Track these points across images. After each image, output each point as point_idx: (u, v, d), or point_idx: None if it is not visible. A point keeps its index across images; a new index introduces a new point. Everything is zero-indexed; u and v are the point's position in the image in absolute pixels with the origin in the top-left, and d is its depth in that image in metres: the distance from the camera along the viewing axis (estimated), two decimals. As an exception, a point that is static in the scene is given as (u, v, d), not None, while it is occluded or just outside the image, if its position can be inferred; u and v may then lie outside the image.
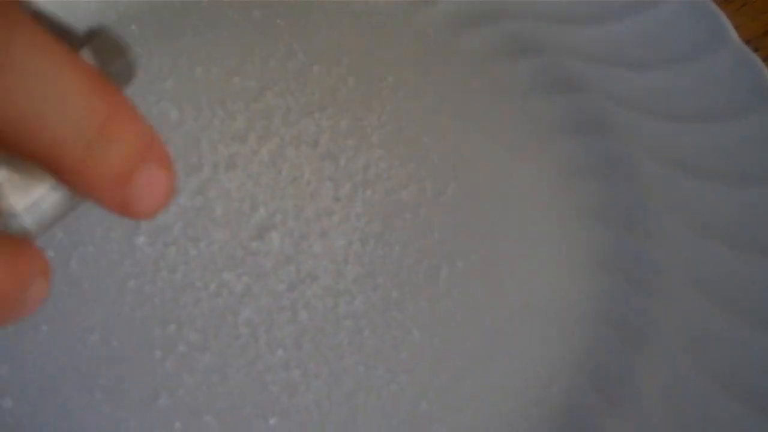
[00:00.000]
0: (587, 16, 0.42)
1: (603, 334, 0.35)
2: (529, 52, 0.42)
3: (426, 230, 0.37)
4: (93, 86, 0.18)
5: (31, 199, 0.19)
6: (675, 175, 0.38)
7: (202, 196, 0.37)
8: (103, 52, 0.19)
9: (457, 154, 0.39)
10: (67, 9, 0.40)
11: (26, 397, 0.32)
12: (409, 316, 0.35)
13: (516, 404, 0.34)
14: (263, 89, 0.40)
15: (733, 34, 0.40)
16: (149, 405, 0.32)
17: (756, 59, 0.39)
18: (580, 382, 0.34)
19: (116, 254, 0.35)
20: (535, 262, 0.37)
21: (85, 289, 0.34)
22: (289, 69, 0.41)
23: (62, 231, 0.35)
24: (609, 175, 0.39)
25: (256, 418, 0.32)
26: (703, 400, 0.33)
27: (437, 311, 0.35)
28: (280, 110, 0.40)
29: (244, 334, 0.34)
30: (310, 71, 0.41)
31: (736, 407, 0.32)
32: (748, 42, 0.40)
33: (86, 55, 0.19)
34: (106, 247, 0.35)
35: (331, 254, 0.36)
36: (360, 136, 0.39)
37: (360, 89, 0.41)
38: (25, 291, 0.19)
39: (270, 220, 0.36)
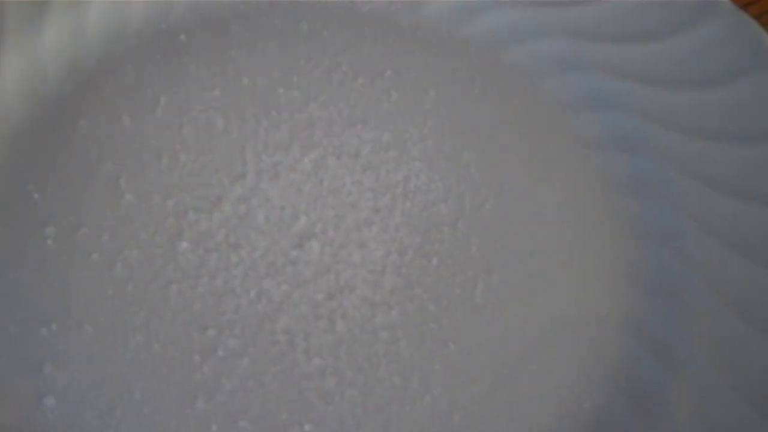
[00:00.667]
0: (630, 35, 0.42)
1: (635, 351, 0.35)
2: (573, 68, 0.43)
3: (463, 243, 0.37)
4: None
5: None
6: (711, 194, 0.38)
7: (244, 204, 0.37)
8: None
9: (496, 169, 0.40)
10: (117, 19, 0.41)
11: (68, 397, 0.33)
12: (445, 329, 0.35)
13: (548, 419, 0.34)
14: (307, 100, 0.41)
15: (775, 55, 0.40)
16: (187, 408, 0.33)
17: (800, 82, 0.39)
18: (612, 398, 0.34)
19: (159, 259, 0.36)
20: (570, 278, 0.37)
21: (128, 292, 0.35)
22: (333, 81, 0.42)
23: (108, 234, 0.36)
24: (645, 192, 0.39)
25: (291, 424, 0.33)
26: (735, 419, 0.32)
27: (473, 324, 0.36)
28: (323, 121, 0.40)
29: (282, 342, 0.34)
30: (354, 83, 0.42)
31: (766, 423, 0.32)
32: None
33: None
34: (149, 252, 0.36)
35: (370, 265, 0.36)
36: (401, 148, 0.40)
37: (402, 103, 0.41)
38: None
39: (310, 229, 0.37)
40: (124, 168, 0.38)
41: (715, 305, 0.35)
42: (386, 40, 0.43)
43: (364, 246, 0.37)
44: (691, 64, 0.41)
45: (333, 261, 0.36)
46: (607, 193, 0.39)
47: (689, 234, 0.38)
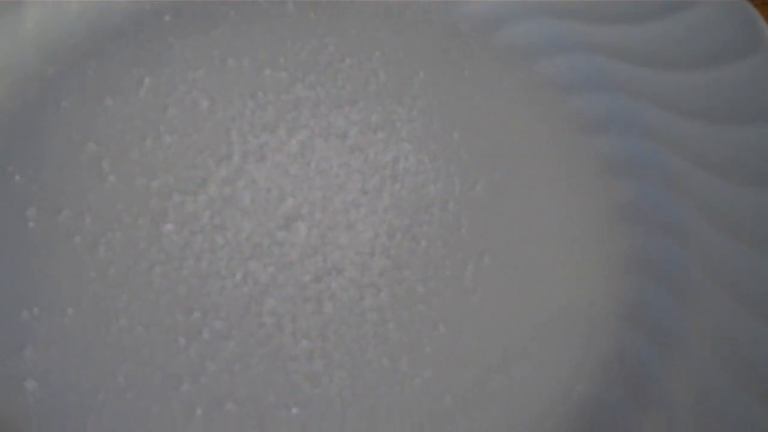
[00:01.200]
0: (624, 15, 0.42)
1: (630, 335, 0.35)
2: (565, 49, 0.42)
3: (453, 225, 0.37)
4: None
5: None
6: (709, 178, 0.38)
7: (230, 185, 0.37)
8: None
9: (487, 150, 0.39)
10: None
11: (49, 381, 0.32)
12: (435, 311, 0.35)
13: (541, 402, 0.33)
14: (294, 81, 0.40)
15: (770, 36, 0.39)
16: (172, 391, 0.32)
17: (793, 63, 0.39)
18: (606, 382, 0.34)
19: (143, 241, 0.35)
20: (563, 261, 0.37)
21: (111, 274, 0.34)
22: (321, 62, 0.41)
23: (90, 217, 0.35)
24: (642, 175, 0.39)
25: (278, 407, 0.32)
26: (732, 404, 0.32)
27: (463, 307, 0.35)
28: (310, 102, 0.39)
29: (269, 324, 0.34)
30: (342, 64, 0.41)
31: (764, 411, 0.31)
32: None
33: None
34: (133, 234, 0.35)
35: (358, 246, 0.36)
36: (389, 130, 0.39)
37: (391, 83, 0.40)
38: None
39: (297, 210, 0.36)
40: (107, 149, 0.37)
41: (712, 289, 0.35)
42: (374, 20, 0.43)
43: (352, 228, 0.36)
44: (686, 45, 0.41)
45: (320, 243, 0.36)
46: (602, 175, 0.39)
47: (685, 217, 0.37)
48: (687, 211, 0.37)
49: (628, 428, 0.32)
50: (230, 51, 0.41)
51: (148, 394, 0.32)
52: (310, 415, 0.32)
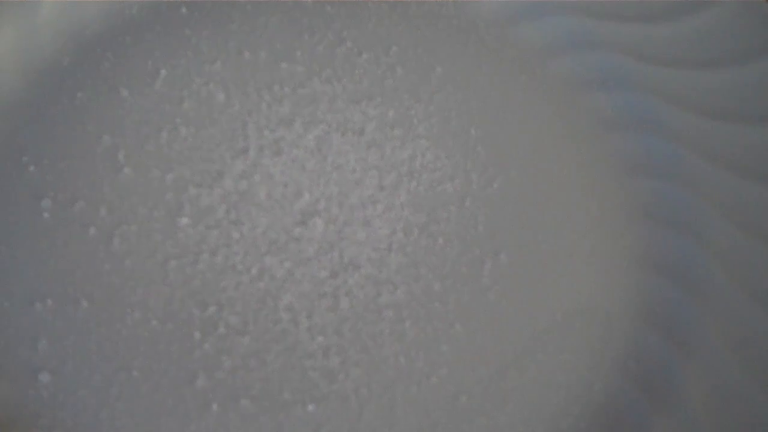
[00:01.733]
0: (642, 14, 0.42)
1: (647, 333, 0.35)
2: (583, 47, 0.42)
3: (470, 223, 0.37)
4: None
5: None
6: (727, 177, 0.37)
7: (246, 180, 0.36)
8: None
9: (504, 147, 0.39)
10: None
11: (63, 373, 0.32)
12: (451, 309, 0.35)
13: (556, 401, 0.33)
14: (311, 75, 0.40)
15: (789, 37, 0.39)
16: (187, 386, 0.32)
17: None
18: (622, 380, 0.33)
19: (159, 234, 0.35)
20: (580, 259, 0.36)
21: (126, 267, 0.34)
22: (338, 56, 0.41)
23: (105, 208, 0.35)
24: (659, 174, 0.38)
25: (294, 403, 0.32)
26: (749, 402, 0.32)
27: (480, 305, 0.35)
28: (327, 97, 0.39)
29: (285, 319, 0.34)
30: (359, 59, 0.41)
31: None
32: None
33: None
34: (148, 227, 0.35)
35: (374, 243, 0.36)
36: (407, 126, 0.39)
37: (408, 79, 0.40)
38: None
39: (314, 206, 0.36)
40: (123, 141, 0.37)
41: (729, 288, 0.35)
42: (392, 15, 0.43)
43: (369, 224, 0.36)
44: (704, 44, 0.40)
45: (337, 239, 0.36)
46: (619, 173, 0.39)
47: (702, 215, 0.37)
48: (704, 210, 0.37)
49: (644, 426, 0.32)
50: (247, 44, 0.40)
51: (162, 389, 0.32)
52: (325, 412, 0.32)
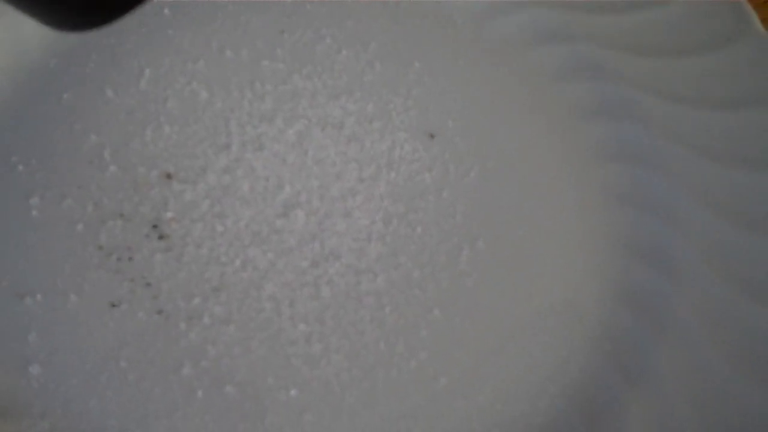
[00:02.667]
0: (614, 5, 0.43)
1: (622, 315, 0.35)
2: (557, 39, 0.43)
3: (448, 212, 0.38)
4: None
5: None
6: (700, 162, 0.38)
7: (229, 174, 0.37)
8: None
9: (481, 138, 0.40)
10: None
11: (53, 364, 0.33)
12: (430, 295, 0.36)
13: (534, 381, 0.34)
14: (291, 72, 0.41)
15: (758, 24, 0.40)
16: (173, 374, 0.33)
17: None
18: (598, 361, 0.34)
19: (144, 229, 0.36)
20: (557, 245, 0.37)
21: (112, 261, 0.35)
22: (318, 53, 0.42)
23: (92, 205, 0.36)
24: (634, 161, 0.39)
25: (278, 389, 0.33)
26: (724, 381, 0.33)
27: (458, 291, 0.36)
28: (308, 92, 0.40)
29: (268, 308, 0.34)
30: (338, 55, 0.42)
31: (755, 389, 0.32)
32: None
33: None
34: (134, 222, 0.36)
35: (355, 233, 0.37)
36: (385, 119, 0.40)
37: (387, 74, 0.41)
38: None
39: (295, 198, 0.37)
40: (109, 139, 0.38)
41: (701, 269, 0.36)
42: (370, 12, 0.43)
43: (349, 215, 0.37)
44: (673, 32, 0.41)
45: (318, 230, 0.36)
46: (595, 161, 0.39)
47: (678, 200, 0.38)
48: (678, 194, 0.38)
49: (620, 404, 0.33)
50: (228, 43, 0.41)
51: (149, 377, 0.33)
52: (308, 396, 0.33)
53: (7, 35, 0.40)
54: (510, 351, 0.35)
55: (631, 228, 0.38)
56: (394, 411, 0.33)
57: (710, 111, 0.39)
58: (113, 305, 0.34)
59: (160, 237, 0.36)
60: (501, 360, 0.34)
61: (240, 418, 0.32)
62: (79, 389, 0.33)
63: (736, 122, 0.38)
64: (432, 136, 0.39)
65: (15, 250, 0.35)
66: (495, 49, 0.43)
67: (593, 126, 0.40)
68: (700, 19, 0.40)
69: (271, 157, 0.38)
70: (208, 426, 0.32)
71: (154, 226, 0.36)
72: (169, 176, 0.37)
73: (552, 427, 0.33)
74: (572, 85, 0.41)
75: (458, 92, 0.41)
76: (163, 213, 0.36)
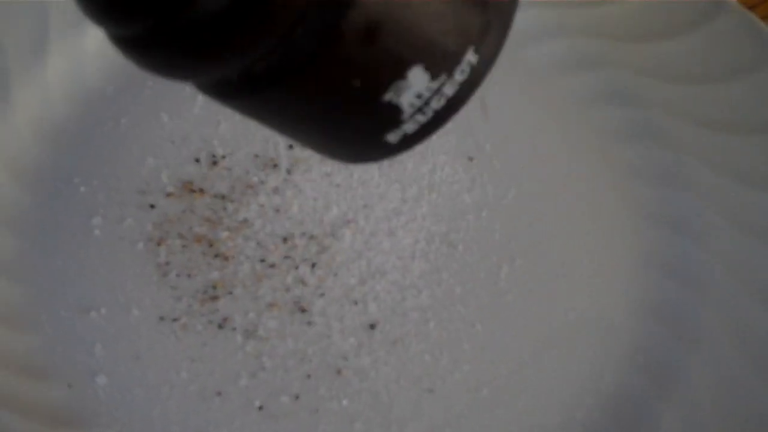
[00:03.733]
0: (643, 33, 0.44)
1: (653, 329, 0.37)
2: (589, 66, 0.44)
3: (487, 231, 0.39)
4: None
5: None
6: (725, 182, 0.40)
7: (279, 195, 0.39)
8: None
9: (517, 161, 0.42)
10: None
11: (118, 375, 0.35)
12: (472, 311, 0.37)
13: (571, 392, 0.36)
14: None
15: (782, 52, 0.42)
16: (231, 385, 0.35)
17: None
18: (631, 373, 0.36)
19: (200, 247, 0.38)
20: (590, 262, 0.39)
21: (172, 278, 0.37)
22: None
23: (150, 224, 0.38)
24: (663, 181, 0.41)
25: (330, 399, 0.35)
26: (751, 391, 0.34)
27: (498, 306, 0.38)
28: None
29: (319, 323, 0.36)
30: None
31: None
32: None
33: None
34: (191, 241, 0.38)
35: (399, 251, 0.38)
36: (426, 143, 0.41)
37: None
38: None
39: (342, 218, 0.39)
40: (165, 162, 0.40)
41: (733, 286, 0.37)
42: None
43: (393, 234, 0.39)
44: (702, 59, 0.43)
45: (364, 248, 0.38)
46: (625, 182, 0.41)
47: (702, 218, 0.39)
48: (704, 213, 0.40)
49: (653, 415, 0.35)
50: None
51: (208, 388, 0.35)
52: (359, 406, 0.35)
53: (68, 64, 0.42)
54: (547, 363, 0.36)
55: (661, 246, 0.40)
56: (439, 420, 0.35)
57: (736, 135, 0.41)
58: (174, 319, 0.36)
59: (216, 255, 0.38)
60: (539, 372, 0.36)
61: (295, 427, 0.34)
62: (143, 399, 0.35)
63: (762, 146, 0.40)
64: (471, 159, 0.41)
65: (79, 267, 0.37)
66: (529, 75, 0.45)
67: (625, 149, 0.42)
68: (725, 48, 0.42)
69: (319, 178, 0.40)
70: (266, 434, 0.34)
71: (210, 245, 0.38)
72: (223, 197, 0.39)
73: (589, 436, 0.35)
74: (604, 111, 0.43)
75: (494, 116, 0.43)
76: (219, 232, 0.38)
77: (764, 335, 0.36)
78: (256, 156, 0.40)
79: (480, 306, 0.38)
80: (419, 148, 0.41)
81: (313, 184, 0.40)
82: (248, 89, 0.19)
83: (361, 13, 0.17)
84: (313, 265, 0.38)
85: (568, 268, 0.39)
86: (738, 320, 0.36)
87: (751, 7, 0.46)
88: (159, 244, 0.38)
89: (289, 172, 0.40)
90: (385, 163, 0.41)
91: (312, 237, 0.38)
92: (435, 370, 0.36)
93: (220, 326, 0.36)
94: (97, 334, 0.36)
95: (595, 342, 0.37)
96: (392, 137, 0.21)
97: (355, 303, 0.37)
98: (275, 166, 0.40)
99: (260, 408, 0.35)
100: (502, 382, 0.36)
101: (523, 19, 0.45)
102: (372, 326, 0.37)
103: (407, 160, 0.41)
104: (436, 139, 0.42)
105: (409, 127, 0.20)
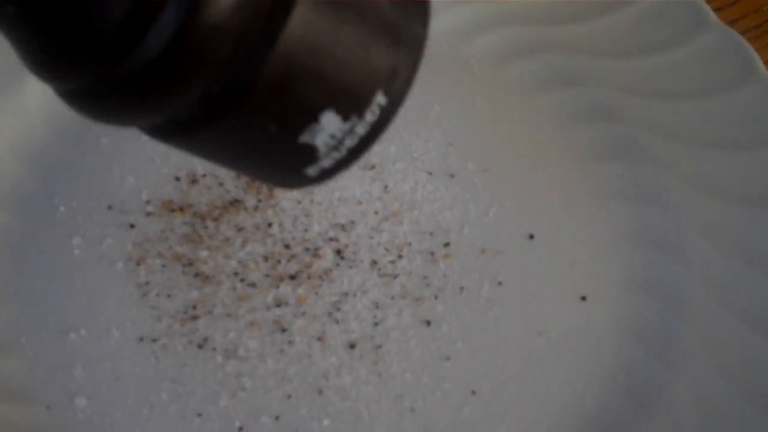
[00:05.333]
0: (623, 50, 0.44)
1: (635, 349, 0.37)
2: (569, 83, 0.44)
3: (469, 248, 0.39)
4: None
5: None
6: (706, 200, 0.40)
7: (259, 212, 0.39)
8: None
9: (499, 178, 0.42)
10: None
11: (98, 397, 0.35)
12: (453, 329, 0.37)
13: (553, 411, 0.36)
14: (317, 115, 0.43)
15: (762, 68, 0.42)
16: (211, 405, 0.35)
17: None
18: (612, 392, 0.36)
19: (180, 266, 0.38)
20: (573, 281, 0.39)
21: (152, 298, 0.37)
22: (342, 97, 0.44)
23: (130, 243, 0.38)
24: (643, 200, 0.41)
25: (311, 419, 0.35)
26: (732, 413, 0.34)
27: (480, 324, 0.38)
28: (333, 135, 0.42)
29: (299, 342, 0.36)
30: (362, 99, 0.44)
31: (760, 419, 0.34)
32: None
33: None
34: (172, 261, 0.38)
35: (380, 269, 0.38)
36: (407, 160, 0.42)
37: (408, 117, 0.43)
38: None
39: (323, 236, 0.39)
40: (145, 182, 0.40)
41: (713, 306, 0.37)
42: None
43: (374, 252, 0.39)
44: (683, 75, 0.43)
45: (345, 266, 0.38)
46: (608, 200, 0.41)
47: (684, 237, 0.39)
48: (686, 232, 0.40)
49: (634, 434, 0.35)
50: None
51: (189, 409, 0.35)
52: (340, 426, 0.35)
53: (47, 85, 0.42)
54: (529, 382, 0.36)
55: (642, 265, 0.40)
56: (421, 439, 0.35)
57: (717, 152, 0.41)
58: (153, 340, 0.36)
59: (196, 274, 0.38)
60: (521, 390, 0.36)
61: (275, 447, 0.34)
62: (123, 421, 0.34)
63: (743, 162, 0.40)
64: (452, 176, 0.41)
65: (59, 288, 0.37)
66: (511, 92, 0.45)
67: (605, 167, 0.42)
68: (707, 64, 0.42)
69: (300, 196, 0.40)
70: (246, 455, 0.34)
71: (191, 264, 0.38)
72: (203, 216, 0.39)
73: (571, 454, 0.35)
74: (584, 128, 0.43)
75: (476, 134, 0.43)
76: (199, 251, 0.38)
77: (744, 355, 0.36)
78: (237, 175, 0.40)
79: (462, 324, 0.37)
80: (400, 166, 0.41)
81: (294, 202, 0.40)
82: (181, 131, 0.20)
83: (275, 67, 0.19)
84: (294, 284, 0.38)
85: (549, 286, 0.39)
86: (718, 340, 0.37)
87: (732, 23, 0.47)
88: (139, 264, 0.38)
89: (270, 190, 0.40)
90: (366, 181, 0.41)
91: (293, 256, 0.38)
92: (416, 389, 0.36)
93: (200, 346, 0.36)
94: (77, 355, 0.36)
95: (576, 361, 0.37)
96: (311, 171, 0.23)
97: (336, 322, 0.37)
98: (254, 185, 0.40)
99: (240, 429, 0.34)
100: (483, 401, 0.36)
101: (503, 37, 0.46)
102: (353, 345, 0.36)
103: (388, 177, 0.41)
104: (417, 156, 0.42)
105: (326, 163, 0.22)
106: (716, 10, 0.45)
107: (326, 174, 0.23)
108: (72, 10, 0.18)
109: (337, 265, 0.38)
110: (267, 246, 0.38)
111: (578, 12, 0.45)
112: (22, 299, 0.37)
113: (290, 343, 0.36)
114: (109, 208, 0.39)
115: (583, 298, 0.38)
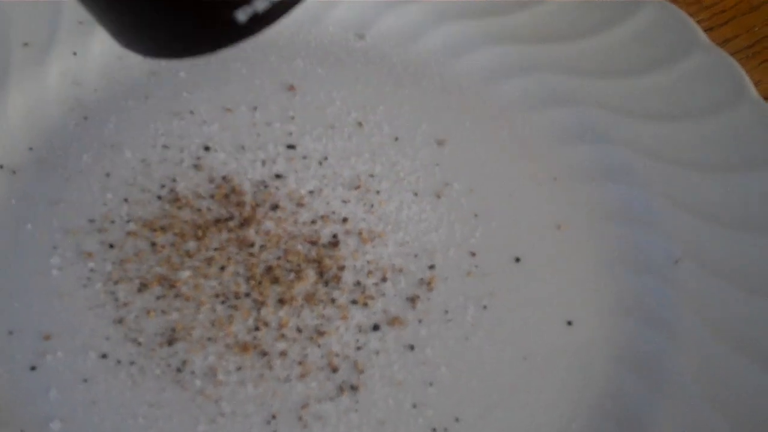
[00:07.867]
0: (613, 70, 0.44)
1: (622, 374, 0.36)
2: (558, 103, 0.44)
3: (455, 271, 0.39)
4: None
5: None
6: (697, 223, 0.40)
7: (243, 231, 0.39)
8: None
9: (486, 199, 0.41)
10: (117, 58, 0.43)
11: (73, 421, 0.34)
12: (438, 353, 0.37)
13: (538, 439, 0.35)
14: (303, 133, 0.42)
15: (753, 89, 0.41)
16: (190, 431, 0.34)
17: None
18: (599, 418, 0.35)
19: (159, 289, 0.37)
20: (560, 304, 0.38)
21: (130, 320, 0.36)
22: (328, 115, 0.43)
23: (110, 264, 0.37)
24: (632, 222, 0.41)
25: (290, 445, 0.34)
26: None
27: (464, 348, 0.37)
28: (318, 154, 0.42)
29: (278, 366, 0.36)
30: (348, 117, 0.43)
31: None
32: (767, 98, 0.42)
33: None
34: (150, 281, 0.37)
35: (364, 291, 0.38)
36: (393, 180, 0.41)
37: (394, 136, 0.43)
38: None
39: (307, 257, 0.38)
40: (128, 201, 0.39)
41: (704, 332, 0.37)
42: (379, 76, 0.45)
43: (358, 273, 0.38)
44: (675, 97, 0.43)
45: (328, 289, 0.38)
46: (596, 221, 0.41)
47: (677, 261, 0.39)
48: (675, 255, 0.39)
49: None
50: (241, 104, 0.43)
51: (166, 434, 0.34)
52: (320, 453, 0.34)
53: (28, 101, 0.41)
54: (514, 408, 0.36)
55: (628, 289, 0.39)
56: (403, 467, 0.34)
57: (708, 174, 0.41)
58: (131, 363, 0.35)
59: (176, 296, 0.37)
60: (506, 417, 0.35)
61: (254, 474, 0.33)
62: (98, 445, 0.34)
63: (733, 185, 0.40)
64: (438, 197, 0.41)
65: (36, 308, 0.36)
66: (499, 112, 0.44)
67: (594, 188, 0.42)
68: (698, 85, 0.42)
69: (284, 216, 0.39)
70: (223, 482, 0.33)
71: (171, 286, 0.37)
72: (184, 236, 0.38)
73: (556, 483, 0.34)
74: (574, 148, 0.43)
75: (464, 153, 0.42)
76: (180, 272, 0.37)
77: (733, 381, 0.35)
78: (219, 192, 0.40)
79: (446, 348, 0.37)
80: (386, 186, 0.41)
81: (278, 221, 0.39)
82: None
83: None
84: (276, 307, 0.37)
85: (537, 311, 0.38)
86: (707, 366, 0.36)
87: (723, 43, 0.46)
88: (117, 284, 0.37)
89: (253, 209, 0.39)
90: (351, 200, 0.40)
91: (275, 278, 0.38)
92: (399, 415, 0.35)
93: (179, 370, 0.35)
94: (53, 378, 0.35)
95: (562, 387, 0.36)
96: (241, 15, 0.19)
97: (318, 346, 0.36)
98: (239, 204, 0.40)
99: (218, 455, 0.34)
100: (467, 428, 0.35)
101: (492, 56, 0.46)
102: (335, 370, 0.36)
103: (374, 197, 0.40)
104: (404, 176, 0.41)
105: (260, 5, 0.19)
106: (707, 30, 0.44)
107: (256, 22, 0.20)
108: None
109: (320, 287, 0.38)
110: (249, 267, 0.38)
111: (568, 32, 0.45)
112: (-2, 319, 0.36)
113: (270, 367, 0.36)
114: (90, 227, 0.38)
115: (570, 323, 0.38)
